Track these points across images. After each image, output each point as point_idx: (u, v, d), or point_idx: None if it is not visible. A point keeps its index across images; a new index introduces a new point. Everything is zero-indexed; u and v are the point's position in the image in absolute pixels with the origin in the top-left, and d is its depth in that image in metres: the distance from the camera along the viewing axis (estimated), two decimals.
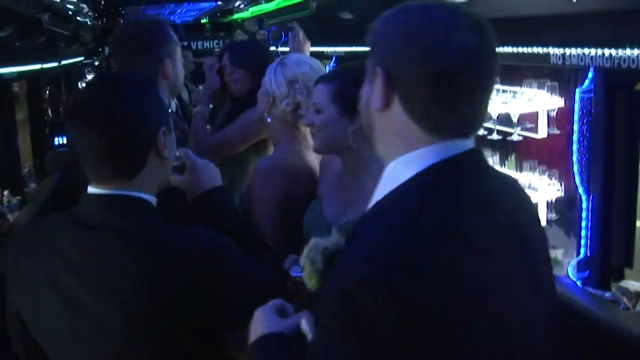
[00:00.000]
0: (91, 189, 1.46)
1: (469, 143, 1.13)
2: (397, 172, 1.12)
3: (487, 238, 1.08)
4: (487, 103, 1.14)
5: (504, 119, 3.18)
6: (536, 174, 3.16)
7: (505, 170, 3.34)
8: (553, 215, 3.15)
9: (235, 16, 7.88)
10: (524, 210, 1.20)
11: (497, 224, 1.10)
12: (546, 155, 3.26)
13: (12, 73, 4.81)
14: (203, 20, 9.16)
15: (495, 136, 3.23)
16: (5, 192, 4.83)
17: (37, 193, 5.39)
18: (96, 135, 1.40)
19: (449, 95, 1.08)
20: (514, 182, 1.26)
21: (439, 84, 1.07)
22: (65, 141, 6.66)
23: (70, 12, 5.25)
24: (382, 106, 1.12)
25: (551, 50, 2.77)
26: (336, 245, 1.20)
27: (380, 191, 1.14)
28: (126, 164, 1.45)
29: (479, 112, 1.13)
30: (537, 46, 2.86)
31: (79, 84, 9.36)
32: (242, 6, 6.68)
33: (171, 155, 1.56)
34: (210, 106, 3.29)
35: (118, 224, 1.43)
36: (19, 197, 4.90)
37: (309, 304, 1.26)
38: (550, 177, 3.13)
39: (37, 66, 5.77)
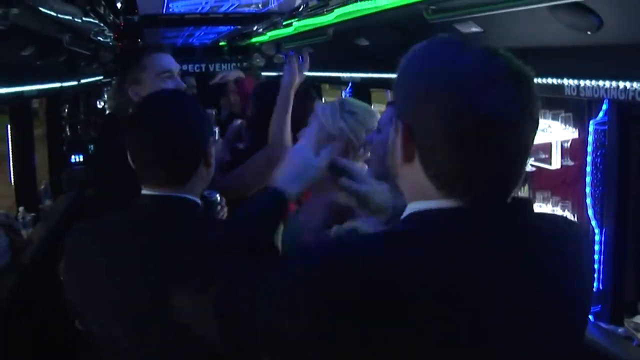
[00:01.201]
0: (146, 191, 1.59)
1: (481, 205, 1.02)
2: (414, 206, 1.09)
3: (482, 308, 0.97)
4: (520, 166, 1.02)
5: None
6: (549, 205, 3.13)
7: None
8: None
9: (253, 40, 7.94)
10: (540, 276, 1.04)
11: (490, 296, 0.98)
12: (560, 186, 3.24)
13: (32, 91, 4.87)
14: (221, 43, 9.24)
15: None
16: (21, 209, 4.86)
17: (52, 210, 5.43)
18: (158, 144, 1.55)
19: (472, 160, 0.98)
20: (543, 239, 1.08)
21: (461, 148, 0.97)
22: (82, 159, 6.73)
23: (91, 33, 5.32)
24: (403, 161, 1.06)
25: (565, 81, 2.76)
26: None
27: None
28: (181, 170, 1.59)
29: (506, 176, 1.01)
30: (552, 77, 2.85)
31: (98, 102, 9.45)
32: (260, 30, 6.74)
33: (214, 161, 1.69)
34: None
35: (173, 222, 1.56)
36: (33, 214, 4.94)
37: None
38: (563, 208, 3.11)
39: (57, 84, 5.84)
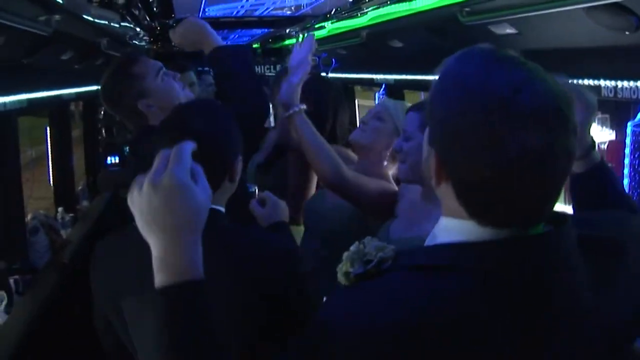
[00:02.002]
0: None
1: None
2: (444, 229, 1.05)
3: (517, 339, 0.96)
4: (556, 195, 0.98)
5: None
6: None
7: None
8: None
9: (287, 42, 7.99)
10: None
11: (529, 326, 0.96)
12: None
13: (70, 94, 4.99)
14: (255, 45, 9.32)
15: None
16: (60, 209, 4.98)
17: (89, 211, 5.54)
18: None
19: (506, 197, 0.95)
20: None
21: (493, 185, 0.94)
22: (117, 161, 6.84)
23: (127, 37, 5.42)
24: (436, 184, 1.03)
25: (602, 82, 2.73)
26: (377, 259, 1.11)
27: (432, 236, 1.09)
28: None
29: (541, 206, 0.97)
30: (588, 78, 2.82)
31: None
32: (293, 33, 6.79)
33: (237, 179, 1.68)
34: None
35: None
36: (72, 214, 5.05)
37: None
38: None
39: (94, 88, 5.96)
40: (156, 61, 2.36)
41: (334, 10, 4.54)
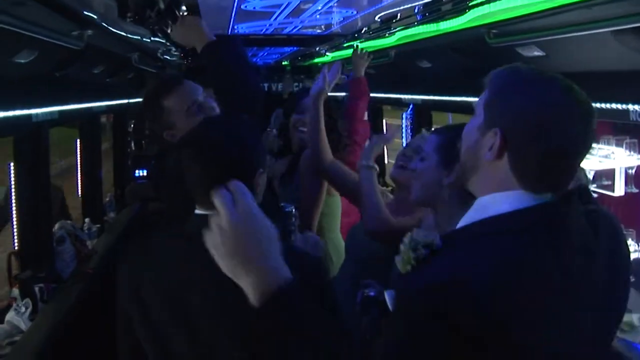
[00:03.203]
0: (199, 211, 1.64)
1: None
2: (490, 204, 1.27)
3: (565, 280, 1.19)
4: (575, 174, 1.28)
5: (579, 176, 3.12)
6: None
7: None
8: (630, 278, 3.02)
9: (316, 60, 8.04)
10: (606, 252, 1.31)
11: (578, 268, 1.22)
12: (623, 214, 3.16)
13: (100, 107, 5.07)
14: (284, 63, 9.39)
15: None
16: (87, 220, 5.05)
17: (116, 222, 5.61)
18: (209, 166, 1.58)
19: (552, 170, 1.24)
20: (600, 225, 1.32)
21: (545, 162, 1.23)
22: (145, 174, 6.92)
23: (158, 52, 5.51)
24: (493, 159, 1.26)
25: (631, 106, 2.71)
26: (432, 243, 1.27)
27: (470, 216, 1.30)
28: None
29: (570, 178, 1.27)
30: (616, 102, 2.80)
31: None
32: (322, 51, 6.83)
33: (261, 193, 1.71)
34: None
35: None
36: (98, 225, 5.11)
37: None
38: (626, 237, 3.01)
39: (124, 101, 6.06)
40: (193, 91, 2.37)
41: (363, 29, 4.56)
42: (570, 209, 1.26)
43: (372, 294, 1.77)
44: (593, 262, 1.27)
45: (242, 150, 1.62)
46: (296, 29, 4.60)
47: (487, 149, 1.27)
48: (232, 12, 3.53)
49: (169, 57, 6.57)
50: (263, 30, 4.63)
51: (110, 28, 3.23)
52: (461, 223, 1.30)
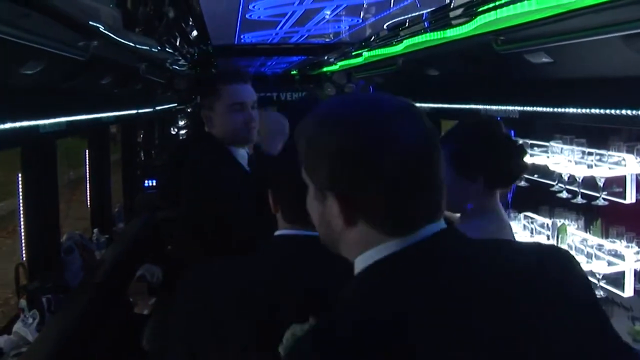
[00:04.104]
0: (283, 231, 1.58)
1: (429, 229, 1.05)
2: (362, 262, 1.08)
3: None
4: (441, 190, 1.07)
5: (589, 183, 3.08)
6: (623, 241, 3.01)
7: (590, 235, 3.20)
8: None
9: (325, 69, 8.05)
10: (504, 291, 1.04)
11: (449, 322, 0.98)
12: (635, 221, 3.11)
13: (109, 117, 5.08)
14: (293, 72, 9.40)
15: (579, 200, 3.12)
16: (95, 230, 5.05)
17: (124, 232, 5.61)
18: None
19: (401, 200, 1.03)
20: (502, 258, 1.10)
21: (392, 196, 1.02)
22: (154, 184, 6.93)
23: (166, 62, 5.52)
24: (345, 227, 1.07)
25: None
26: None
27: None
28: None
29: (435, 201, 1.07)
30: (627, 108, 2.76)
31: (172, 129, 9.76)
32: (331, 60, 6.83)
33: None
34: None
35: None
36: (107, 236, 5.11)
37: None
38: (638, 245, 2.97)
39: (133, 111, 6.07)
40: (249, 94, 2.66)
41: (371, 37, 4.55)
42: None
43: None
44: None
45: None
46: (303, 38, 4.60)
47: (334, 217, 1.06)
48: (237, 21, 3.54)
49: (177, 68, 6.59)
50: (270, 40, 4.64)
51: (117, 39, 3.23)
52: None
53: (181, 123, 9.81)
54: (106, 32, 3.01)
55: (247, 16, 3.38)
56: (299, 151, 1.12)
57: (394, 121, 1.05)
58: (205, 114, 2.67)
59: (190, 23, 4.33)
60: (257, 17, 3.42)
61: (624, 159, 2.95)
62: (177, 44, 5.16)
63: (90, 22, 2.78)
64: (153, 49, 4.33)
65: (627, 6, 2.09)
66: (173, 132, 9.73)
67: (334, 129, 1.05)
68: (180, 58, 6.00)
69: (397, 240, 1.04)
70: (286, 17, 3.49)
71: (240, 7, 3.09)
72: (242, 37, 4.31)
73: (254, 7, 3.06)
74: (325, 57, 6.65)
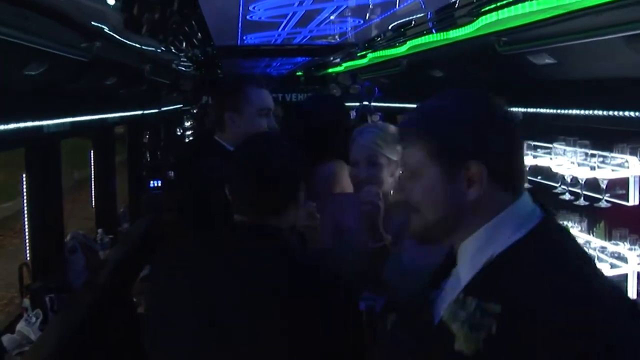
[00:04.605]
0: (239, 217, 1.73)
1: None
2: (496, 233, 1.20)
3: None
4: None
5: (592, 185, 3.06)
6: (626, 243, 2.99)
7: (593, 238, 3.19)
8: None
9: (330, 70, 8.04)
10: None
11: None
12: (638, 224, 3.09)
13: (114, 118, 5.10)
14: (298, 73, 9.39)
15: (582, 202, 3.10)
16: (99, 230, 5.06)
17: (129, 233, 5.62)
18: (253, 181, 1.69)
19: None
20: None
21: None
22: (159, 184, 6.94)
23: (171, 64, 5.54)
24: (479, 194, 1.21)
25: None
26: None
27: (482, 255, 1.19)
28: (270, 206, 1.70)
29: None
30: (630, 110, 2.74)
31: (177, 130, 9.77)
32: (336, 60, 6.83)
33: (301, 204, 1.82)
34: None
35: (260, 246, 1.65)
36: (111, 236, 5.12)
37: None
38: None
39: (139, 112, 6.08)
40: (271, 103, 2.68)
41: (375, 38, 4.54)
42: None
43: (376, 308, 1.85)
44: None
45: (287, 168, 1.75)
46: (306, 39, 4.60)
47: (465, 189, 1.22)
48: (238, 23, 3.54)
49: (182, 69, 6.61)
50: (273, 41, 4.64)
51: (120, 39, 3.24)
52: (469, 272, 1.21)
53: (187, 124, 9.82)
54: (110, 32, 3.03)
55: (248, 17, 3.38)
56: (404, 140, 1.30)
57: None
58: (230, 115, 2.60)
59: (193, 24, 4.34)
60: (258, 18, 3.41)
61: (627, 161, 2.93)
62: (182, 45, 5.17)
63: (93, 23, 2.79)
64: (157, 50, 4.34)
65: (629, 7, 2.08)
66: (179, 133, 9.74)
67: (460, 101, 1.26)
68: (185, 59, 6.02)
69: (517, 201, 1.22)
70: (287, 18, 3.48)
71: (241, 8, 3.08)
72: (244, 38, 4.31)
73: (254, 8, 3.06)
74: (330, 58, 6.65)
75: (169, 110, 8.23)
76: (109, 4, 2.75)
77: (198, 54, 6.11)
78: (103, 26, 2.90)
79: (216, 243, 1.70)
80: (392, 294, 2.53)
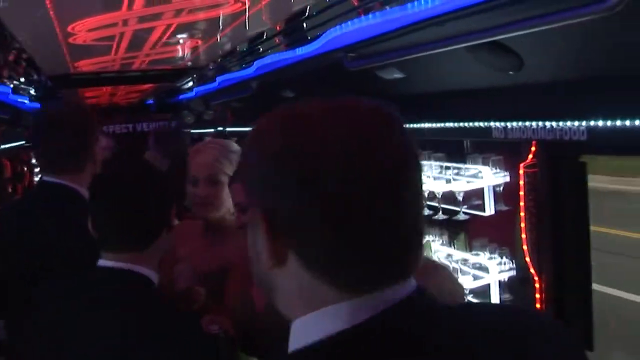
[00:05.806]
0: (102, 262, 1.59)
1: (402, 290, 0.82)
2: (304, 331, 0.81)
3: None
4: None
5: (450, 197, 3.04)
6: (487, 252, 2.99)
7: (454, 250, 3.17)
8: (507, 296, 2.96)
9: (181, 96, 7.79)
10: None
11: None
12: (496, 233, 3.10)
13: None
14: (148, 102, 9.00)
15: (441, 216, 3.08)
16: None
17: None
18: (118, 210, 1.58)
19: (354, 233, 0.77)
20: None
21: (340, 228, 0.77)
22: None
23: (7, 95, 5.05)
24: (273, 264, 0.81)
25: (493, 124, 2.66)
26: None
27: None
28: (138, 239, 1.60)
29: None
30: (479, 120, 2.75)
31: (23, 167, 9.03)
32: (187, 86, 6.59)
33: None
34: None
35: (118, 298, 1.55)
36: None
37: None
38: (501, 255, 2.96)
39: None
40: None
41: (220, 59, 4.36)
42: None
43: None
44: None
45: (153, 192, 1.63)
46: (144, 63, 4.30)
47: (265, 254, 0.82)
48: (62, 49, 3.19)
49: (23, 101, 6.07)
50: (110, 67, 4.29)
51: None
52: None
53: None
54: None
55: (69, 40, 3.03)
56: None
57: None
58: None
59: (22, 55, 3.94)
60: (82, 42, 3.07)
61: (480, 172, 2.94)
62: (18, 79, 4.71)
63: None
64: None
65: (470, 17, 2.05)
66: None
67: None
68: (19, 92, 5.52)
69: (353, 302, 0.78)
70: (115, 40, 3.17)
71: (59, 31, 2.73)
72: (77, 66, 3.95)
73: (73, 29, 2.72)
74: (178, 84, 6.38)
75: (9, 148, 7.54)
76: None
77: (31, 87, 5.61)
78: None
79: (81, 293, 1.60)
80: None
